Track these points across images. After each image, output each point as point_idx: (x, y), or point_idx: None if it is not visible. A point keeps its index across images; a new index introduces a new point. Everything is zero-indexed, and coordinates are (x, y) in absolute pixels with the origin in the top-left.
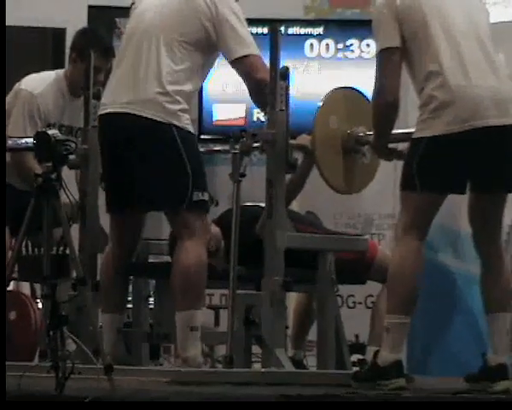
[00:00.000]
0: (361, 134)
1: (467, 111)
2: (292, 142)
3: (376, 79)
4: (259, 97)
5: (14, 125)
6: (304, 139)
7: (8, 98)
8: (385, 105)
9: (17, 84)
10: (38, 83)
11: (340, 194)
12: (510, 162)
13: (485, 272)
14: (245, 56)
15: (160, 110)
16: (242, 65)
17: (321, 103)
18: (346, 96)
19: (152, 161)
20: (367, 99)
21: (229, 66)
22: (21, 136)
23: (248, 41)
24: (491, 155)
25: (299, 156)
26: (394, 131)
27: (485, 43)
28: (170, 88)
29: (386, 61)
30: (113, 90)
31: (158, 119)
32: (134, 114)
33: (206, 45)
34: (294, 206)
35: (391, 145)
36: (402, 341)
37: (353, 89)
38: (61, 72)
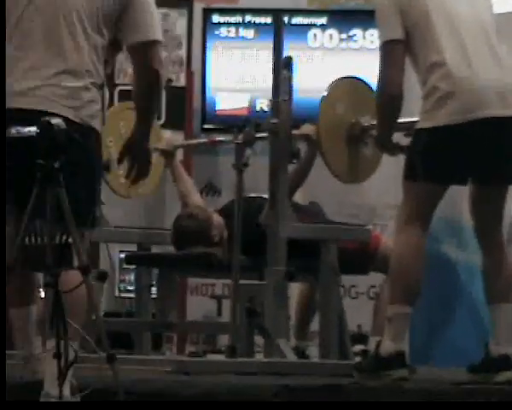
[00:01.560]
0: (366, 123)
1: (470, 102)
2: (295, 132)
3: (380, 71)
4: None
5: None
6: (307, 129)
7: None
8: (389, 98)
9: None
10: None
11: (343, 183)
12: (510, 154)
13: (486, 264)
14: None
15: None
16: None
17: (326, 92)
18: (351, 85)
19: None
20: (371, 89)
21: (233, 55)
22: None
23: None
24: (493, 147)
25: (302, 146)
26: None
27: (489, 35)
28: None
29: (390, 54)
30: None
31: None
32: None
33: None
34: (298, 196)
35: (394, 140)
36: (404, 331)
37: (358, 78)
38: None
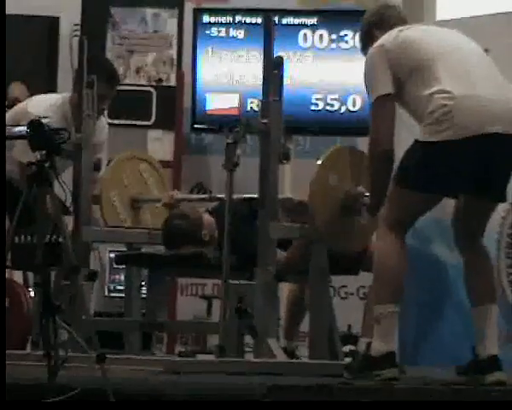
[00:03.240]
0: (360, 193)
1: (472, 119)
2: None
3: (372, 127)
4: None
5: (21, 149)
6: (301, 194)
7: (14, 114)
8: (381, 154)
9: (23, 106)
10: (45, 107)
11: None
12: (509, 172)
13: (468, 270)
14: None
15: None
16: None
17: (320, 160)
18: (345, 154)
19: None
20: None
21: (223, 55)
22: (29, 159)
23: None
24: (492, 165)
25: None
26: None
27: (487, 61)
28: None
29: (381, 109)
30: None
31: None
32: None
33: None
34: (289, 196)
35: None
36: (393, 330)
37: (353, 148)
38: (66, 96)
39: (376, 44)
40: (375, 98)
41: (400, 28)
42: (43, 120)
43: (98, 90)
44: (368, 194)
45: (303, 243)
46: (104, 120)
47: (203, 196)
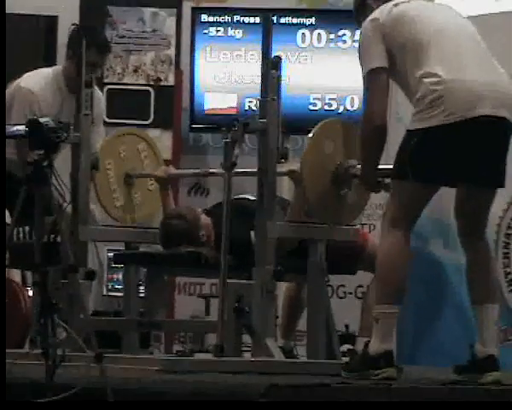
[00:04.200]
0: (352, 166)
1: (462, 103)
2: (282, 170)
3: (365, 103)
4: None
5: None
6: (292, 165)
7: (8, 94)
8: (373, 129)
9: (16, 82)
10: (37, 80)
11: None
12: (503, 157)
13: (470, 264)
14: None
15: None
16: None
17: (313, 131)
18: (338, 126)
19: None
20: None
21: (222, 55)
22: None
23: None
24: (485, 147)
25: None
26: (381, 166)
27: (479, 42)
28: None
29: (374, 83)
30: None
31: None
32: None
33: None
34: (285, 195)
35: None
36: (391, 330)
37: (346, 120)
38: (58, 68)
39: (370, 18)
40: (366, 72)
41: (395, 2)
42: (42, 120)
43: (89, 58)
44: (359, 166)
45: (296, 211)
46: (99, 93)
47: (197, 170)
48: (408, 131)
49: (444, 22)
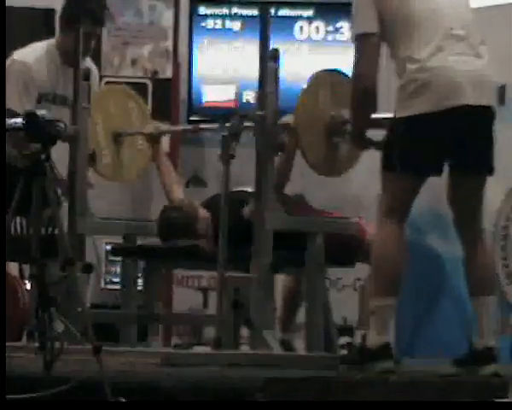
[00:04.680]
0: (345, 116)
1: (445, 91)
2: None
3: (354, 64)
4: None
5: (9, 96)
6: (287, 119)
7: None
8: (362, 91)
9: (10, 57)
10: (31, 53)
11: (320, 174)
12: (488, 144)
13: (468, 256)
14: None
15: None
16: None
17: (306, 84)
18: (331, 78)
19: None
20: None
21: (220, 47)
22: (17, 106)
23: None
24: (469, 136)
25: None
26: (374, 116)
27: (468, 26)
28: None
29: (363, 47)
30: None
31: None
32: None
33: None
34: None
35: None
36: (388, 323)
37: (339, 71)
38: (52, 41)
39: None
40: (356, 35)
41: None
42: (39, 112)
43: (83, 29)
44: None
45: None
46: (95, 69)
47: (188, 126)
48: (393, 119)
49: (437, 1)
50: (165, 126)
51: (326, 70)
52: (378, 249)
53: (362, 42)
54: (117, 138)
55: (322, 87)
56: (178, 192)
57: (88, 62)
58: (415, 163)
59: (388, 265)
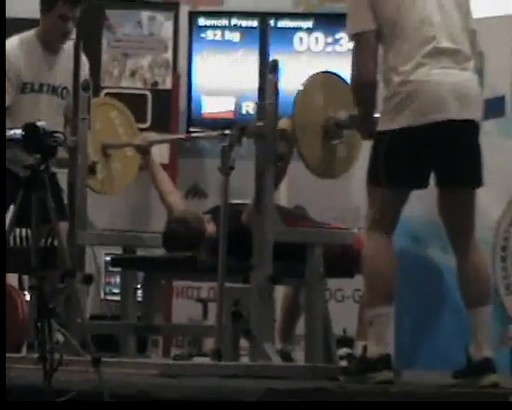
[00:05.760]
0: (341, 118)
1: (427, 105)
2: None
3: (353, 61)
4: None
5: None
6: (283, 123)
7: None
8: (362, 87)
9: None
10: (10, 46)
11: (318, 177)
12: (474, 156)
13: (460, 267)
14: None
15: None
16: None
17: (302, 86)
18: (327, 80)
19: None
20: (347, 84)
21: (219, 58)
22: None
23: None
24: (453, 150)
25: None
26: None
27: (458, 38)
28: None
29: (361, 45)
30: None
31: None
32: None
33: None
34: (282, 200)
35: None
36: (386, 332)
37: (334, 73)
38: (30, 31)
39: None
40: (353, 34)
41: None
42: (39, 123)
43: (58, 11)
44: (353, 114)
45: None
46: (83, 57)
47: (180, 136)
48: (378, 132)
49: (430, 10)
50: (152, 136)
51: (322, 72)
52: (368, 262)
53: (360, 40)
54: (105, 152)
55: (318, 89)
56: (175, 197)
57: (69, 46)
58: (399, 178)
59: (379, 276)
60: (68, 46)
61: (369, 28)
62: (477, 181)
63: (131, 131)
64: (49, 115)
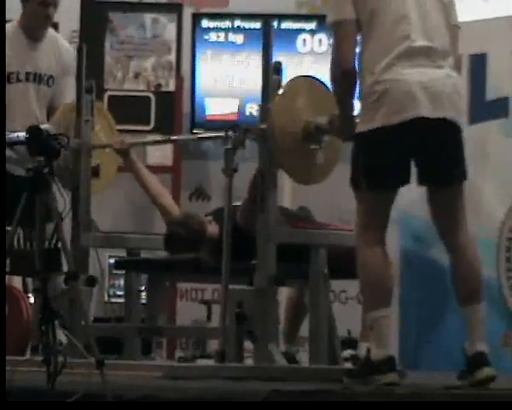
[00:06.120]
0: (322, 123)
1: (399, 103)
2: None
3: (332, 50)
4: None
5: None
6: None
7: None
8: (341, 73)
9: None
10: None
11: (297, 183)
12: (450, 156)
13: (452, 266)
14: None
15: None
16: None
17: (281, 90)
18: (306, 84)
19: None
20: (328, 88)
21: (223, 60)
22: None
23: None
24: (430, 149)
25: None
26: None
27: (437, 32)
28: None
29: (339, 33)
30: None
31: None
32: None
33: None
34: (287, 201)
35: None
36: (387, 334)
37: (315, 78)
38: (13, 22)
39: None
40: (330, 23)
41: None
42: (42, 126)
43: None
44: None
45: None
46: (65, 43)
47: (159, 138)
48: (356, 134)
49: (410, 6)
50: (130, 139)
51: (301, 76)
52: (362, 268)
53: (339, 28)
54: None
55: (299, 93)
56: (167, 199)
57: (51, 33)
58: (378, 179)
59: (375, 280)
60: (50, 34)
61: (349, 17)
62: (455, 179)
63: (110, 132)
64: (37, 105)
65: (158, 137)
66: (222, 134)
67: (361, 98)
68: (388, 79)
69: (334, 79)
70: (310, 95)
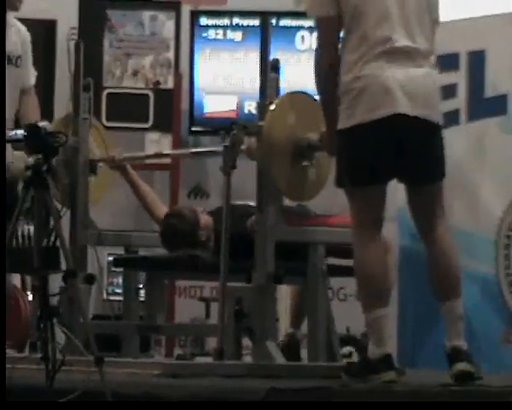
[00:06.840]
0: (313, 139)
1: (377, 100)
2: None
3: (316, 44)
4: None
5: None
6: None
7: None
8: (323, 71)
9: None
10: None
11: (288, 199)
12: (432, 155)
13: (430, 261)
14: None
15: None
16: None
17: (272, 107)
18: (298, 101)
19: None
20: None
21: (221, 58)
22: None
23: None
24: (408, 147)
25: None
26: None
27: (418, 30)
28: None
29: (322, 28)
30: None
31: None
32: None
33: None
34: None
35: None
36: (385, 333)
37: (305, 94)
38: None
39: None
40: (315, 17)
41: None
42: (40, 124)
43: None
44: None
45: None
46: (21, 26)
47: (151, 154)
48: (337, 131)
49: (391, 6)
50: (123, 153)
51: (292, 92)
52: (358, 268)
53: (320, 24)
54: None
55: (290, 108)
56: (163, 212)
57: (12, 20)
58: (360, 175)
59: (371, 280)
60: (15, 23)
61: (332, 13)
62: (435, 177)
63: (102, 144)
64: (13, 88)
65: (156, 137)
66: (221, 132)
67: (341, 94)
68: (367, 76)
69: (316, 74)
70: (301, 110)
